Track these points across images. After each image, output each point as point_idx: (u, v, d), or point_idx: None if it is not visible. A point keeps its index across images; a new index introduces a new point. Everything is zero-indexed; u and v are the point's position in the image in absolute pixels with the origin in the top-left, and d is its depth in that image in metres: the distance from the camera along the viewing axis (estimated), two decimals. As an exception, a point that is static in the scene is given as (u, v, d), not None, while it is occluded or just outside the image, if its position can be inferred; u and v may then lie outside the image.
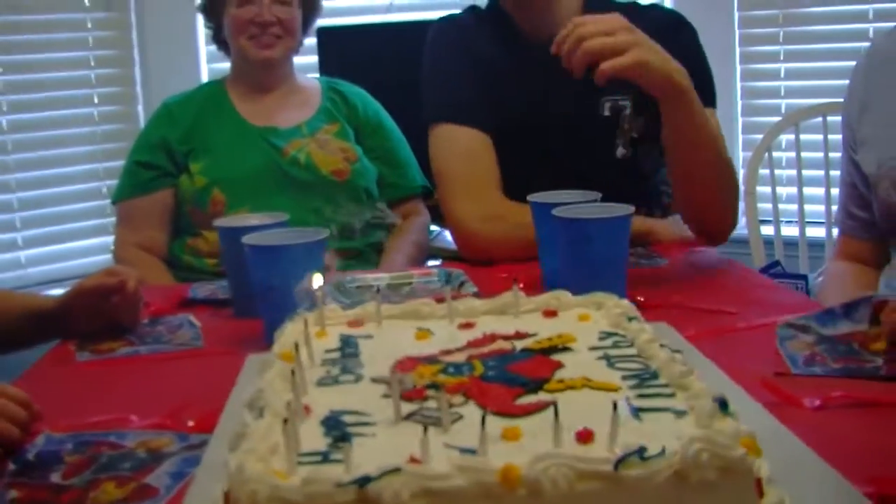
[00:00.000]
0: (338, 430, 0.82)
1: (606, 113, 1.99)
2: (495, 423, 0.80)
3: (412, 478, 0.69)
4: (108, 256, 3.46)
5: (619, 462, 0.70)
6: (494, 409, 0.84)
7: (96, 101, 3.56)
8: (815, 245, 3.00)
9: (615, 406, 0.75)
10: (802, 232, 3.02)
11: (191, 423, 1.17)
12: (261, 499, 0.69)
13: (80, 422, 1.20)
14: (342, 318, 1.19)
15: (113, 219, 3.38)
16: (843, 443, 0.99)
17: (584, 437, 0.77)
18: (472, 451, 0.75)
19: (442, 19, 2.19)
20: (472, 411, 0.86)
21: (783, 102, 3.68)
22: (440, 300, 1.20)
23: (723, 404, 0.79)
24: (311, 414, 0.87)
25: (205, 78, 3.61)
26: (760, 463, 0.75)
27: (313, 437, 0.81)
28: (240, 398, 1.12)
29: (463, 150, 2.01)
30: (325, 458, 0.77)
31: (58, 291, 3.17)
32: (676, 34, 2.03)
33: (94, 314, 1.64)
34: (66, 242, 3.53)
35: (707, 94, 1.98)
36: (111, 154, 3.57)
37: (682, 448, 0.71)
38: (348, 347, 1.08)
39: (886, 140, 1.82)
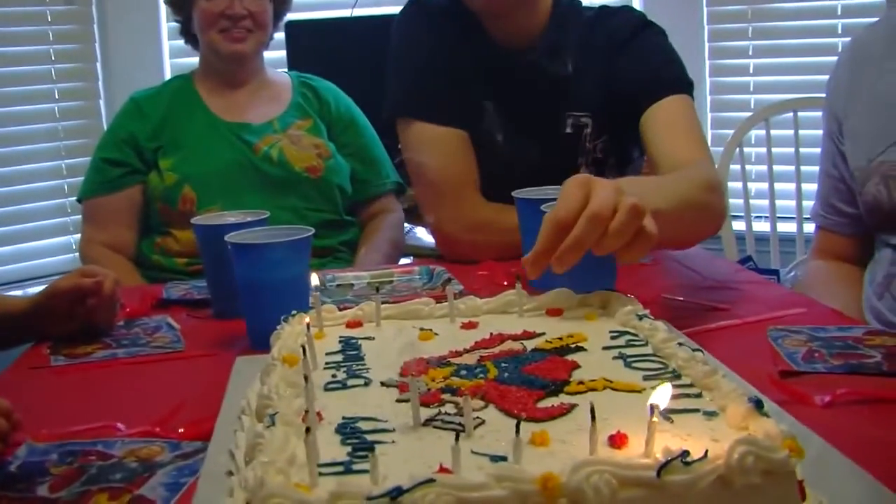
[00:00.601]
0: (355, 437, 0.79)
1: (569, 130, 1.98)
2: (523, 429, 0.77)
3: (447, 489, 0.65)
4: (71, 256, 3.45)
5: (662, 468, 0.67)
6: (518, 412, 0.81)
7: (57, 96, 3.52)
8: (786, 240, 3.02)
9: (652, 410, 0.72)
10: (774, 227, 3.04)
11: (181, 430, 1.12)
12: (285, 514, 0.65)
13: (62, 430, 1.14)
14: (339, 318, 1.15)
15: (76, 217, 3.37)
16: (858, 439, 0.97)
17: (619, 441, 0.74)
18: (502, 458, 0.72)
19: (409, 2, 2.11)
20: (493, 415, 0.82)
21: (752, 98, 3.71)
22: (439, 299, 1.17)
23: (758, 404, 0.76)
24: (322, 421, 0.83)
25: (168, 73, 3.59)
26: (798, 464, 0.73)
27: (330, 446, 0.77)
28: (234, 403, 1.09)
29: (441, 150, 1.96)
30: (347, 468, 0.73)
31: (18, 292, 3.15)
32: (642, 33, 2.02)
33: (68, 316, 1.58)
34: (28, 242, 3.49)
35: (681, 82, 1.96)
36: (73, 151, 3.54)
37: (727, 452, 0.68)
38: (350, 349, 1.05)
39: (875, 133, 1.81)
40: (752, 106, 3.64)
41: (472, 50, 2.01)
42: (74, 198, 3.38)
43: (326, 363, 1.00)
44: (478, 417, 0.82)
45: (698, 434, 0.76)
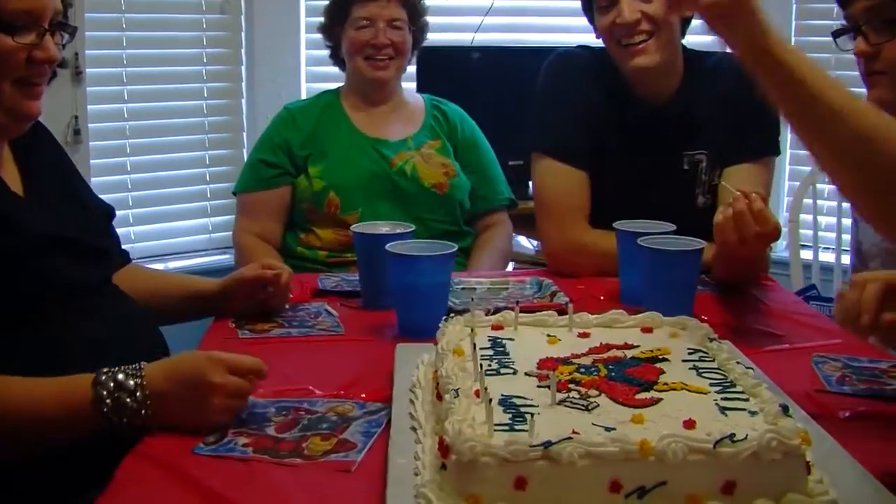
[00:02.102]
0: (513, 409, 1.17)
1: (686, 167, 2.33)
2: (626, 411, 1.15)
3: (580, 444, 1.03)
4: (206, 236, 3.84)
5: (717, 443, 1.04)
6: (623, 400, 1.20)
7: (206, 94, 3.87)
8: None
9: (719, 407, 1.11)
10: (838, 258, 3.28)
11: (363, 395, 1.50)
12: (477, 453, 1.04)
13: (270, 390, 1.50)
14: (486, 322, 1.53)
15: (215, 202, 3.78)
16: (866, 445, 1.30)
17: (689, 424, 1.12)
18: (612, 429, 1.10)
19: (559, 54, 2.43)
20: (604, 401, 1.21)
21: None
22: (562, 311, 1.55)
23: (785, 409, 1.14)
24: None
25: (304, 79, 3.95)
26: (808, 451, 1.10)
27: (497, 413, 1.15)
28: (403, 378, 1.47)
29: (564, 187, 2.33)
30: (511, 427, 1.12)
31: (159, 265, 3.54)
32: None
33: (249, 299, 1.94)
34: (171, 222, 3.85)
35: (773, 143, 2.37)
36: (216, 144, 3.90)
37: (759, 437, 1.05)
38: (497, 347, 1.42)
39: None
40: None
41: (610, 103, 2.35)
42: (215, 185, 3.81)
43: (482, 356, 1.36)
44: (595, 402, 1.20)
45: (744, 425, 1.13)
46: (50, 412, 1.37)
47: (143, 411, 1.35)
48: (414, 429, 1.29)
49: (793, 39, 3.98)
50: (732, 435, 1.05)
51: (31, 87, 1.54)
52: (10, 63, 1.49)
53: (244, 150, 3.82)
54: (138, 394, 1.35)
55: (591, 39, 2.44)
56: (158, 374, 1.37)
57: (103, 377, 1.35)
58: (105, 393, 1.34)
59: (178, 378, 1.38)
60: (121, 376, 1.35)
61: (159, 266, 3.58)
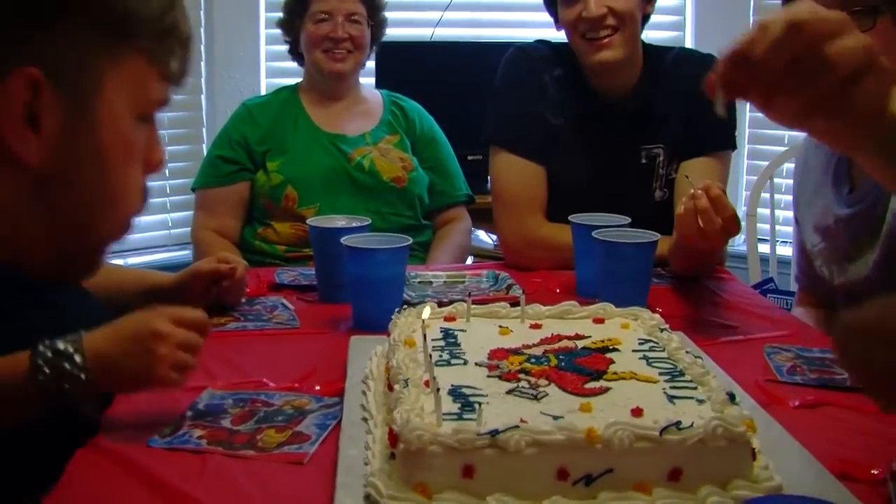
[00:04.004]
0: (462, 398, 1.18)
1: (643, 161, 2.35)
2: (574, 401, 1.16)
3: (527, 432, 1.04)
4: (166, 232, 3.82)
5: (663, 430, 1.05)
6: (572, 390, 1.20)
7: (165, 90, 3.85)
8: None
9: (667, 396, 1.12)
10: (795, 252, 3.33)
11: (318, 388, 1.50)
12: (425, 441, 1.04)
13: (226, 382, 1.52)
14: (439, 314, 1.54)
15: (174, 198, 3.76)
16: (815, 433, 1.32)
17: (637, 413, 1.12)
18: (561, 418, 1.10)
19: (517, 48, 2.44)
20: (554, 391, 1.21)
21: (787, 134, 3.98)
22: (514, 302, 1.56)
23: (731, 397, 1.15)
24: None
25: (263, 74, 3.95)
26: (755, 438, 1.11)
27: (446, 403, 1.16)
28: (356, 370, 1.48)
29: (521, 180, 2.35)
30: (459, 416, 1.12)
31: (119, 261, 3.51)
32: None
33: (205, 292, 1.93)
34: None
35: (729, 138, 2.38)
36: (175, 139, 3.90)
37: (704, 424, 1.06)
38: (449, 338, 1.43)
39: (808, 224, 2.15)
40: (786, 142, 3.92)
41: (568, 97, 2.37)
42: (174, 181, 3.80)
43: (434, 347, 1.37)
44: (544, 391, 1.20)
45: (691, 413, 1.14)
46: None
47: (82, 375, 1.28)
48: (365, 419, 1.29)
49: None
50: (678, 422, 1.06)
51: None
52: None
53: (203, 147, 3.82)
54: (77, 357, 1.28)
55: (550, 34, 2.46)
56: (98, 336, 1.32)
57: (41, 347, 1.29)
58: (41, 362, 1.27)
59: (119, 335, 1.33)
60: (60, 344, 1.29)
61: (119, 262, 3.54)
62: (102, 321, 1.67)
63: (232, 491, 1.18)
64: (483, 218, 2.93)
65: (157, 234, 3.87)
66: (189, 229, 2.96)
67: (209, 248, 2.71)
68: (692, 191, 1.87)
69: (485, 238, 3.44)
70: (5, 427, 1.33)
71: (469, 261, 3.00)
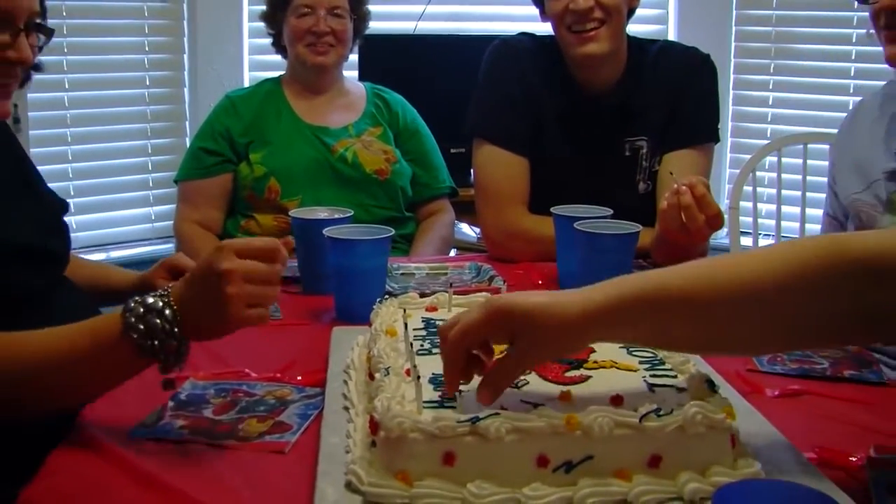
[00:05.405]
0: (443, 387, 1.18)
1: (627, 153, 2.35)
2: (555, 389, 1.17)
3: (507, 419, 1.04)
4: (149, 225, 3.82)
5: (643, 417, 1.06)
6: (552, 378, 1.21)
7: (148, 83, 3.85)
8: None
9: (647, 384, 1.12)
10: (778, 245, 3.34)
11: (299, 378, 1.50)
12: (405, 429, 1.04)
13: (208, 373, 1.52)
14: (420, 304, 1.54)
15: (157, 191, 3.76)
16: (794, 421, 1.33)
17: (617, 400, 1.13)
18: (541, 405, 1.11)
19: (501, 41, 2.44)
20: (535, 379, 1.22)
21: (769, 128, 4.03)
22: (495, 293, 1.56)
23: (711, 384, 1.16)
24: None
25: (247, 67, 3.94)
26: (735, 425, 1.12)
27: (427, 391, 1.16)
28: (339, 360, 1.48)
29: (504, 172, 2.35)
30: (440, 404, 1.13)
31: (101, 255, 3.51)
32: (700, 73, 2.39)
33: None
34: (113, 211, 3.83)
35: (712, 130, 2.38)
36: (158, 132, 3.89)
37: (684, 411, 1.07)
38: (430, 328, 1.43)
39: (854, 178, 2.14)
40: (769, 135, 3.96)
41: (552, 90, 2.37)
42: (157, 174, 3.79)
43: (415, 336, 1.37)
44: (525, 379, 1.21)
45: (671, 400, 1.14)
46: (84, 352, 1.28)
47: (175, 329, 1.25)
48: (347, 408, 1.29)
49: (732, 45, 4.04)
50: (658, 409, 1.07)
51: (1, 88, 1.50)
52: None
53: (186, 139, 3.81)
54: (167, 312, 1.25)
55: (534, 28, 2.46)
56: (180, 284, 1.28)
57: (132, 304, 1.26)
58: (134, 319, 1.25)
59: (193, 279, 1.27)
60: (150, 299, 1.26)
61: (101, 256, 3.56)
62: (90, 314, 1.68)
63: (214, 480, 1.18)
64: (466, 211, 2.94)
65: (140, 228, 3.87)
66: (172, 222, 2.96)
67: (192, 240, 2.72)
68: (675, 185, 1.88)
69: (468, 231, 3.44)
70: (106, 389, 1.33)
71: (452, 253, 3.00)
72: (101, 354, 1.27)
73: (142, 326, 1.25)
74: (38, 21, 1.54)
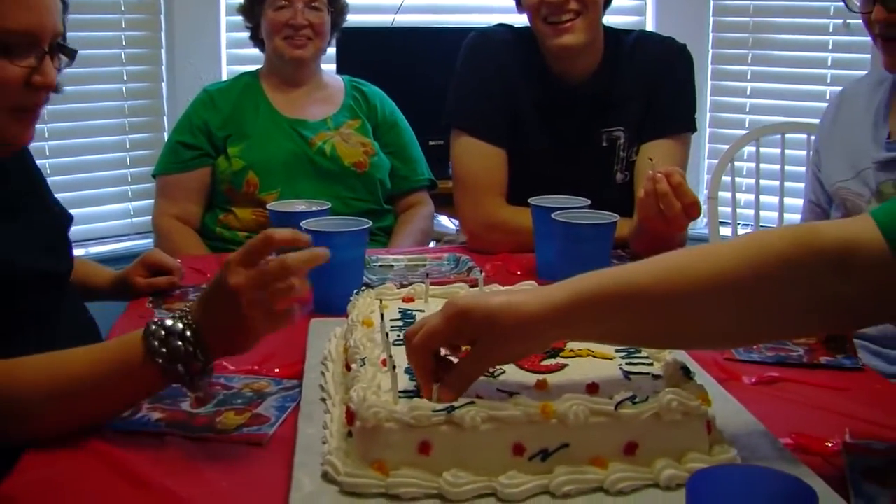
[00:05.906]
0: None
1: (604, 144, 2.35)
2: (531, 377, 1.17)
3: (482, 408, 1.05)
4: (129, 221, 3.80)
5: (619, 404, 1.06)
6: (528, 367, 1.21)
7: (125, 78, 3.82)
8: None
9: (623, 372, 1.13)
10: (756, 235, 3.36)
11: (277, 370, 1.50)
12: (381, 419, 1.04)
13: None
14: (397, 294, 1.54)
15: (136, 186, 3.74)
16: (771, 408, 1.34)
17: (593, 388, 1.13)
18: (517, 394, 1.11)
19: (478, 32, 2.44)
20: (511, 368, 1.22)
21: (747, 118, 4.03)
22: (473, 284, 1.56)
23: (686, 371, 1.16)
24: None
25: (224, 62, 3.92)
26: (710, 411, 1.12)
27: (403, 381, 1.16)
28: (316, 352, 1.48)
29: (482, 163, 2.35)
30: (416, 394, 1.13)
31: (80, 251, 3.48)
32: (677, 63, 2.39)
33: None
34: (91, 206, 3.79)
35: (689, 120, 2.39)
36: (136, 127, 3.85)
37: (659, 398, 1.07)
38: (407, 318, 1.43)
39: (840, 165, 2.15)
40: (747, 125, 3.97)
41: (529, 81, 2.37)
42: (135, 169, 3.78)
43: (392, 327, 1.38)
44: (501, 369, 1.21)
45: (647, 388, 1.15)
46: (112, 379, 1.27)
47: (196, 351, 1.24)
48: (324, 399, 1.29)
49: (710, 35, 4.05)
50: (634, 397, 1.07)
51: (26, 114, 1.46)
52: (9, 88, 1.40)
53: (165, 134, 3.77)
54: (188, 333, 1.24)
55: (511, 20, 2.46)
56: (197, 305, 1.27)
57: (153, 327, 1.26)
58: (157, 343, 1.24)
59: (208, 299, 1.27)
60: (169, 322, 1.25)
61: (80, 252, 3.52)
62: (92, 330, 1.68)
63: (192, 472, 1.18)
64: (445, 203, 2.93)
65: (118, 223, 3.83)
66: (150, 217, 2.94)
67: (170, 234, 2.71)
68: (650, 172, 1.89)
69: (447, 223, 3.44)
70: (130, 407, 1.33)
71: (431, 245, 2.99)
72: (129, 380, 1.27)
73: (165, 350, 1.24)
74: (60, 42, 1.49)
